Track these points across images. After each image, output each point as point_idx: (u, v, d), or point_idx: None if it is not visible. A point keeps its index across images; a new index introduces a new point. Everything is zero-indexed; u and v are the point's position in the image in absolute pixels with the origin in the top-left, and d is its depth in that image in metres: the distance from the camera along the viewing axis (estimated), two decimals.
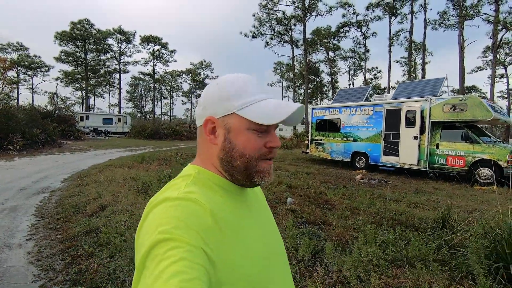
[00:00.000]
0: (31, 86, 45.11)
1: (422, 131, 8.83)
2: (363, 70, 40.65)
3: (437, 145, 8.65)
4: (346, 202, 5.55)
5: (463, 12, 27.18)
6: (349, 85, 48.75)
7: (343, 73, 50.03)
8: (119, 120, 31.58)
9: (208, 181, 0.59)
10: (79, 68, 41.60)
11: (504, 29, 22.49)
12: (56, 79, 38.94)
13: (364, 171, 10.21)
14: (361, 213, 4.74)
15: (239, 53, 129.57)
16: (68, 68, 41.27)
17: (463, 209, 5.36)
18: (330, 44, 39.55)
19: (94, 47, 40.44)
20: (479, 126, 9.05)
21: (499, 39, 22.76)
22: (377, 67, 48.00)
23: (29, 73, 44.21)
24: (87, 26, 38.72)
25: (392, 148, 9.59)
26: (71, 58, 38.78)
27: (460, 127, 8.33)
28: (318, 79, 49.69)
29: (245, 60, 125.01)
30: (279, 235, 0.72)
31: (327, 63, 44.15)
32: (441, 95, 9.62)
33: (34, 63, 42.98)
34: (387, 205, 5.48)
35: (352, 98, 11.65)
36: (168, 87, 59.83)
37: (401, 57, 46.39)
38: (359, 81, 57.67)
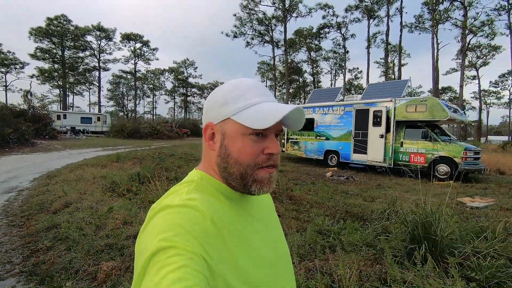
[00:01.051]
0: (4, 84, 43.29)
1: (387, 130, 9.34)
2: (343, 70, 41.64)
3: (401, 143, 9.18)
4: (310, 197, 5.87)
5: (436, 16, 28.46)
6: (331, 84, 49.80)
7: (325, 73, 50.97)
8: (98, 119, 30.92)
9: (211, 187, 0.59)
10: (56, 66, 40.31)
11: (471, 33, 23.77)
12: (31, 77, 37.55)
13: (335, 168, 10.65)
14: (320, 207, 5.07)
15: (227, 52, 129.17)
16: (44, 65, 39.98)
17: (414, 202, 5.83)
18: (312, 45, 40.27)
19: (71, 44, 39.29)
20: (440, 125, 9.66)
21: (467, 43, 23.99)
22: (358, 68, 49.27)
23: (2, 70, 42.38)
24: (64, 22, 37.57)
25: (361, 146, 10.06)
26: (47, 55, 37.50)
27: (421, 126, 8.89)
28: (301, 79, 50.39)
29: (234, 60, 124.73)
30: (284, 241, 0.70)
31: (309, 63, 44.91)
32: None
33: (7, 59, 41.23)
34: (346, 199, 5.85)
35: (326, 98, 12.08)
36: (151, 86, 58.94)
37: (381, 58, 47.86)
38: (341, 81, 58.89)
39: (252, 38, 31.30)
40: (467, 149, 8.10)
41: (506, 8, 29.05)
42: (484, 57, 44.47)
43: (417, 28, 33.59)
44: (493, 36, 26.94)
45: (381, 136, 9.44)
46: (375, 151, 9.59)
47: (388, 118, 9.31)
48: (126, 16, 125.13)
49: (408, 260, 2.61)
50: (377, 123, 9.58)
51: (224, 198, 0.58)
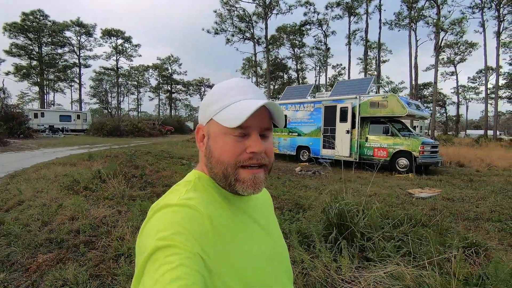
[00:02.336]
0: None
1: (353, 126, 9.71)
2: (324, 67, 42.23)
3: (367, 139, 9.57)
4: (269, 191, 6.12)
5: (415, 14, 29.22)
6: (315, 81, 50.37)
7: (310, 70, 51.47)
8: (78, 117, 30.33)
9: (208, 187, 0.59)
10: (34, 62, 39.08)
11: (442, 31, 24.62)
12: (7, 74, 36.32)
13: (307, 163, 10.97)
14: (274, 200, 5.33)
15: (215, 49, 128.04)
16: (20, 62, 38.66)
17: (364, 194, 6.20)
18: (296, 41, 40.59)
19: (49, 39, 38.17)
20: (402, 120, 10.11)
21: (440, 41, 24.84)
22: (341, 64, 49.86)
23: None
24: (41, 18, 36.43)
25: (329, 141, 10.41)
26: (22, 51, 36.32)
27: (384, 122, 9.29)
28: (286, 75, 50.66)
29: (222, 56, 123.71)
30: (281, 239, 0.71)
31: (293, 59, 45.24)
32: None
33: None
34: (303, 193, 6.14)
35: (298, 96, 12.37)
36: (135, 83, 57.99)
37: (363, 55, 48.71)
38: (324, 78, 59.59)
39: (233, 35, 31.39)
40: (424, 143, 8.55)
41: (480, 6, 30.16)
42: (462, 54, 46.02)
43: (397, 25, 34.38)
44: (462, 34, 27.97)
45: (347, 132, 9.81)
46: (342, 146, 9.95)
47: (353, 114, 9.68)
48: (110, 11, 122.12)
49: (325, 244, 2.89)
50: (343, 119, 9.94)
51: (221, 197, 0.59)
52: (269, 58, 37.48)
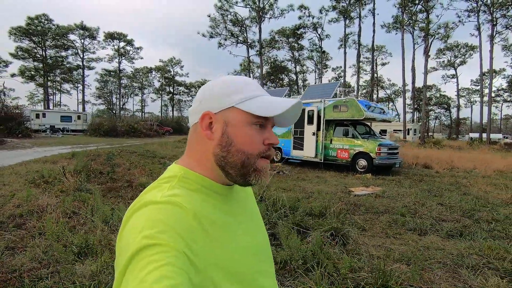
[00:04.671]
0: None
1: (318, 128, 10.20)
2: (325, 69, 42.65)
3: (331, 140, 10.05)
4: None
5: (407, 18, 29.47)
6: (315, 83, 50.76)
7: (311, 72, 51.89)
8: (79, 117, 31.39)
9: (194, 183, 0.57)
10: (41, 65, 40.47)
11: (430, 36, 24.87)
12: (12, 75, 37.77)
13: (279, 164, 11.48)
14: None
15: (214, 50, 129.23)
16: (29, 64, 40.07)
17: (312, 190, 6.72)
18: (294, 44, 41.12)
19: (53, 43, 39.54)
20: (367, 123, 10.55)
21: (429, 44, 25.07)
22: (341, 67, 50.17)
23: None
24: (45, 22, 37.81)
25: (299, 143, 10.92)
26: (26, 54, 37.76)
27: (347, 124, 9.75)
28: (287, 78, 51.15)
29: (222, 57, 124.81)
30: (264, 230, 0.72)
31: (292, 62, 45.77)
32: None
33: None
34: (258, 190, 6.66)
35: None
36: (139, 84, 59.23)
37: (364, 57, 48.96)
38: (325, 80, 59.84)
39: (225, 39, 32.09)
40: (381, 145, 8.98)
41: (475, 10, 30.25)
42: (463, 57, 45.91)
43: (394, 28, 34.61)
44: (447, 38, 28.13)
45: (313, 134, 10.30)
46: (309, 148, 10.45)
47: (319, 117, 10.18)
48: (114, 12, 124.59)
49: None
50: (310, 122, 10.44)
51: (209, 192, 0.58)
52: (267, 61, 38.08)
